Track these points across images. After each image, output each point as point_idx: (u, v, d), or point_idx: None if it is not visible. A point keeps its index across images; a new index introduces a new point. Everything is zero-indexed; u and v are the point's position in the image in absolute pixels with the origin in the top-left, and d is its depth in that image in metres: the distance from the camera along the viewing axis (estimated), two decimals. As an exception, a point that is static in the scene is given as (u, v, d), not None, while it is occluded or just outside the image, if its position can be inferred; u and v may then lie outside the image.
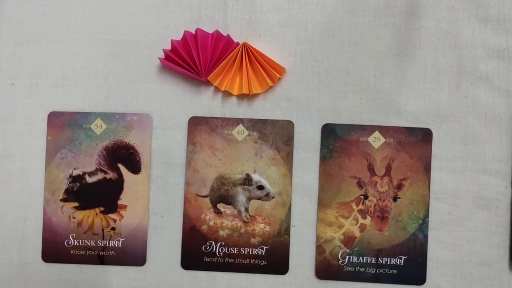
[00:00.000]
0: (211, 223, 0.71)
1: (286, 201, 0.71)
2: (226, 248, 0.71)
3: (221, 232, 0.71)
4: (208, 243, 0.71)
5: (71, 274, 0.71)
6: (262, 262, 0.70)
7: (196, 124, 0.71)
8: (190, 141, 0.71)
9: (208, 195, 0.71)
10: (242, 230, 0.71)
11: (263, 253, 0.71)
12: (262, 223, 0.71)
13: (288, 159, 0.71)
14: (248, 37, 0.72)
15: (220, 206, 0.71)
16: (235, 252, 0.71)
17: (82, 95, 0.72)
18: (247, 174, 0.71)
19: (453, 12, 0.71)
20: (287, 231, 0.71)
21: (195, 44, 0.70)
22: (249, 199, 0.71)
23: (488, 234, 0.70)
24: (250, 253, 0.71)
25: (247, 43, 0.70)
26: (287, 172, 0.71)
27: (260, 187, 0.71)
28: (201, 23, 0.72)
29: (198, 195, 0.71)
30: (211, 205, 0.71)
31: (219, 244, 0.71)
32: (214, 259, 0.71)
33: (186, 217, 0.71)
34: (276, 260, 0.71)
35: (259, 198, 0.71)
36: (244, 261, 0.71)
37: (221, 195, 0.71)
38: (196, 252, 0.71)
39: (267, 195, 0.71)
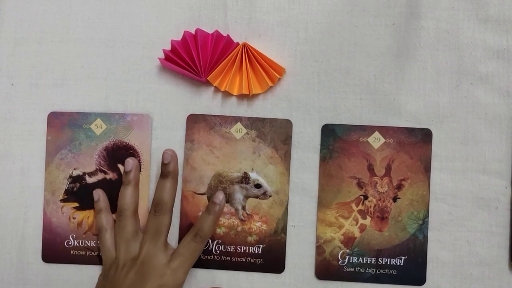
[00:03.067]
0: (209, 221, 0.71)
1: (283, 200, 0.70)
2: (222, 246, 0.70)
3: (218, 230, 0.71)
4: (205, 241, 0.71)
5: (71, 274, 0.71)
6: (258, 260, 0.70)
7: (194, 121, 0.71)
8: (188, 138, 0.71)
9: (206, 193, 0.71)
10: (239, 229, 0.71)
11: (260, 252, 0.70)
12: (259, 221, 0.70)
13: (286, 158, 0.71)
14: (248, 37, 0.72)
15: (218, 204, 0.71)
16: (232, 250, 0.70)
17: (82, 95, 0.72)
18: (245, 172, 0.71)
19: (453, 12, 0.71)
20: (284, 230, 0.70)
21: (195, 44, 0.70)
22: (246, 197, 0.71)
23: (488, 234, 0.69)
24: (247, 251, 0.70)
25: (247, 43, 0.70)
26: (285, 171, 0.71)
27: (258, 186, 0.70)
28: (201, 23, 0.72)
29: (196, 193, 0.71)
30: (208, 203, 0.71)
31: (215, 242, 0.70)
32: (211, 257, 0.70)
33: (183, 214, 0.71)
34: (272, 259, 0.70)
35: (256, 197, 0.71)
36: (241, 259, 0.70)
37: (219, 193, 0.71)
38: (194, 251, 0.71)
39: (265, 193, 0.70)
